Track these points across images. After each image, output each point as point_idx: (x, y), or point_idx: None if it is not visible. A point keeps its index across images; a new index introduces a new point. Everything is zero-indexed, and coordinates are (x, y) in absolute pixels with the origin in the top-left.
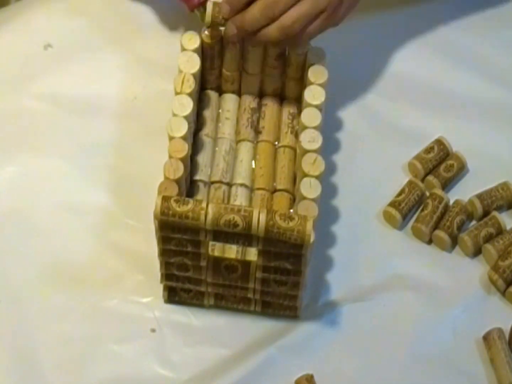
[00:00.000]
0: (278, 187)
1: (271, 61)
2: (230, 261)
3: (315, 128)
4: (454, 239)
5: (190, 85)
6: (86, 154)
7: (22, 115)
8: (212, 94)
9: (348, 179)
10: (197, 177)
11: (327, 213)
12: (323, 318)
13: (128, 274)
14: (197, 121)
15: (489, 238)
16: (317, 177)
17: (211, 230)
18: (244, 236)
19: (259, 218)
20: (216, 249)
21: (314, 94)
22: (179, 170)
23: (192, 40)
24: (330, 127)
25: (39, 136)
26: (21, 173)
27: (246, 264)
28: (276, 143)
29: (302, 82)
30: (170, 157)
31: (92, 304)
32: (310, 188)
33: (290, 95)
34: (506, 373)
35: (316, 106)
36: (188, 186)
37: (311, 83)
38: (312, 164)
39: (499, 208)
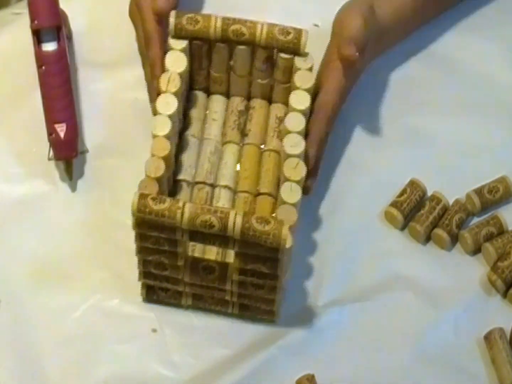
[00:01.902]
0: (262, 190)
1: (259, 64)
2: (208, 262)
3: (298, 133)
4: (454, 237)
5: (176, 84)
6: (86, 154)
7: (21, 114)
8: (200, 95)
9: (349, 179)
10: (180, 177)
11: (328, 213)
12: (323, 318)
13: (128, 274)
14: (184, 121)
15: (489, 237)
16: (298, 182)
17: (187, 229)
18: (220, 238)
19: (235, 220)
20: (196, 249)
21: (299, 99)
22: (161, 169)
23: (180, 40)
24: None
25: (40, 135)
26: (21, 173)
27: (223, 265)
28: (263, 146)
29: (290, 87)
30: (152, 155)
31: (93, 304)
32: (290, 193)
33: (278, 99)
34: (508, 373)
35: (301, 111)
36: (171, 185)
37: (297, 88)
38: (294, 169)
39: (497, 202)
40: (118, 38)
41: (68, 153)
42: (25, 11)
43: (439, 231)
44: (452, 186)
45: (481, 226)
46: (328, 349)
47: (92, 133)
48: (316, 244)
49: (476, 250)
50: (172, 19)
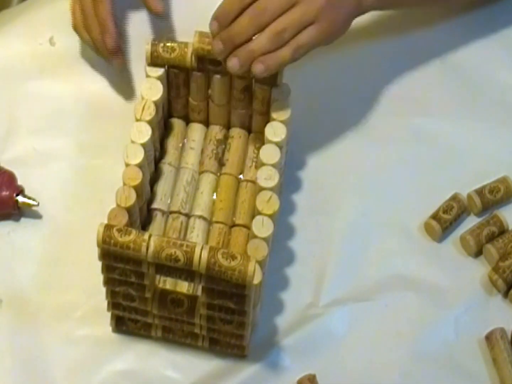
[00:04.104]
0: (237, 222)
1: (237, 94)
2: (177, 295)
3: (273, 165)
4: (445, 230)
5: (151, 112)
6: (87, 155)
7: (22, 113)
8: (179, 123)
9: (350, 179)
10: (155, 206)
11: (328, 214)
12: (325, 318)
13: None
14: (161, 149)
15: (491, 237)
16: (270, 216)
17: (153, 263)
18: (186, 272)
19: (201, 255)
20: (168, 281)
21: (275, 131)
22: (131, 198)
23: (156, 67)
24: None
25: (41, 135)
26: (24, 171)
27: (192, 299)
28: (241, 176)
29: (268, 117)
30: (124, 184)
31: (95, 304)
32: (262, 227)
33: (257, 128)
34: (509, 373)
35: (276, 143)
36: (146, 214)
37: (273, 119)
38: (267, 202)
39: (498, 202)
40: None
41: None
42: None
43: (432, 222)
44: (453, 186)
45: (482, 227)
46: (329, 349)
47: (95, 134)
48: (317, 244)
49: (479, 252)
50: (148, 47)
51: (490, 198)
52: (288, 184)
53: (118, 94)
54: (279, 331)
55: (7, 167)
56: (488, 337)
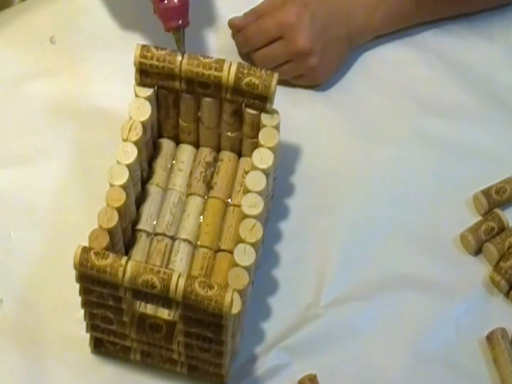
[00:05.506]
0: (222, 247)
1: (227, 117)
2: (155, 320)
3: (258, 193)
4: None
5: (137, 133)
6: (87, 155)
7: (22, 113)
8: (168, 143)
9: (352, 180)
10: (140, 227)
11: (328, 214)
12: (326, 318)
13: None
14: (148, 169)
15: (490, 232)
16: (253, 245)
17: (130, 288)
18: (163, 299)
19: (178, 283)
20: (149, 305)
21: (262, 157)
22: (113, 220)
23: (146, 87)
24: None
25: (41, 135)
26: (24, 171)
27: (171, 325)
28: (229, 200)
29: (258, 142)
30: (107, 205)
31: None
32: (244, 255)
33: (247, 153)
34: (510, 373)
35: (263, 170)
36: (130, 235)
37: (261, 146)
38: (250, 230)
39: (505, 202)
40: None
41: (183, 19)
42: None
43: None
44: (458, 187)
45: (480, 223)
46: (330, 349)
47: (95, 134)
48: (317, 244)
49: (479, 249)
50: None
51: (496, 199)
52: (289, 183)
53: (118, 94)
54: (280, 331)
55: (8, 167)
56: (489, 337)
